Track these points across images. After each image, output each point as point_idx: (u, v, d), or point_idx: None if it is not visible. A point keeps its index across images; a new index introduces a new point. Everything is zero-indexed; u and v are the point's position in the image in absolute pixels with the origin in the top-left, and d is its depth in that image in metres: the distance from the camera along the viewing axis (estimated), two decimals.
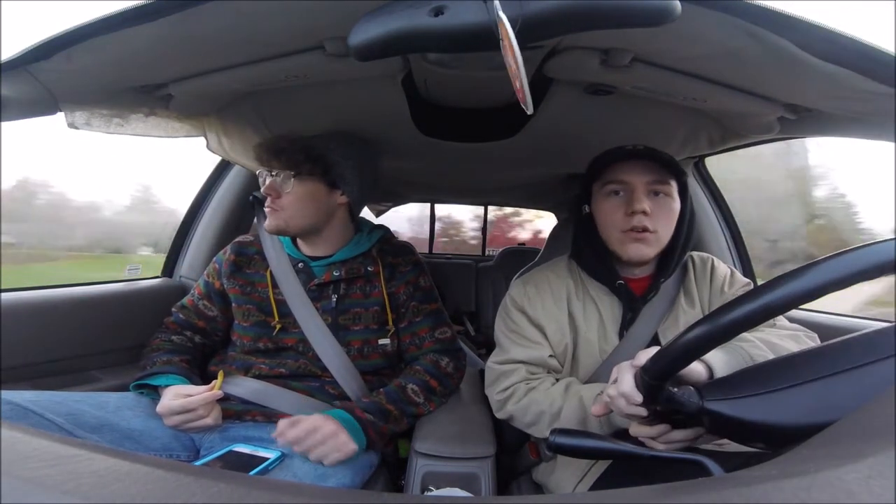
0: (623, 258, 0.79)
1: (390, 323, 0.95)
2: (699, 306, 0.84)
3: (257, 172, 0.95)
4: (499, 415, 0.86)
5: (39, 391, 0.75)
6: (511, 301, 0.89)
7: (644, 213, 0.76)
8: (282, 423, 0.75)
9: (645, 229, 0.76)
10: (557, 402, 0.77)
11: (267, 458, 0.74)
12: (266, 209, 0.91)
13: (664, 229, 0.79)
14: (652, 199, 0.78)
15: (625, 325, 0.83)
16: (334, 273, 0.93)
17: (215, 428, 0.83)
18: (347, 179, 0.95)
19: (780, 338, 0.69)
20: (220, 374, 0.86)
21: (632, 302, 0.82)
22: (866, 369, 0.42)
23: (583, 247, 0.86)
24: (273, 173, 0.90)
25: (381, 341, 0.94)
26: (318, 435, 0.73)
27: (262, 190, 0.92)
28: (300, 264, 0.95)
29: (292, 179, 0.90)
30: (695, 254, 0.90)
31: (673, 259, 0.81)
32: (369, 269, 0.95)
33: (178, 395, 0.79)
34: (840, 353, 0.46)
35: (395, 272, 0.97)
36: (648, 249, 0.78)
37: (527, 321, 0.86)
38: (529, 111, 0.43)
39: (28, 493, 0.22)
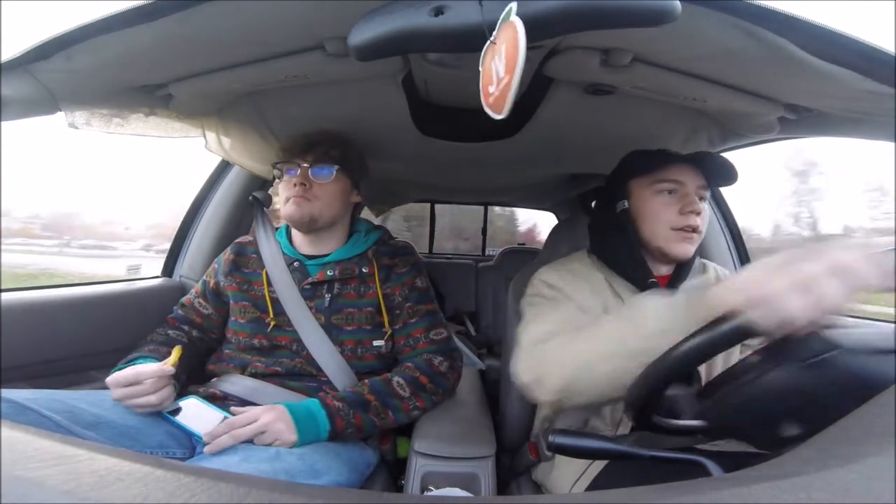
0: (670, 254, 0.82)
1: (386, 325, 0.94)
2: None
3: (276, 165, 0.97)
4: (527, 375, 0.70)
5: (37, 390, 0.75)
6: (546, 287, 0.84)
7: (698, 213, 0.80)
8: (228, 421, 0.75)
9: (695, 229, 0.80)
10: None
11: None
12: (294, 199, 0.92)
13: (704, 231, 0.83)
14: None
15: None
16: (328, 273, 0.93)
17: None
18: (364, 180, 1.04)
19: None
20: (177, 350, 0.83)
21: None
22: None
23: (615, 244, 0.86)
24: (304, 164, 0.93)
25: (375, 343, 0.93)
26: (256, 425, 0.73)
27: (290, 180, 0.94)
28: (295, 263, 0.97)
29: (335, 171, 0.95)
30: (715, 265, 0.95)
31: (692, 258, 0.85)
32: (363, 270, 0.95)
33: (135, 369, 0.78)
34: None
35: (391, 273, 0.97)
36: (692, 247, 0.82)
37: (567, 300, 0.82)
38: (502, 116, 0.43)
39: (28, 493, 0.22)
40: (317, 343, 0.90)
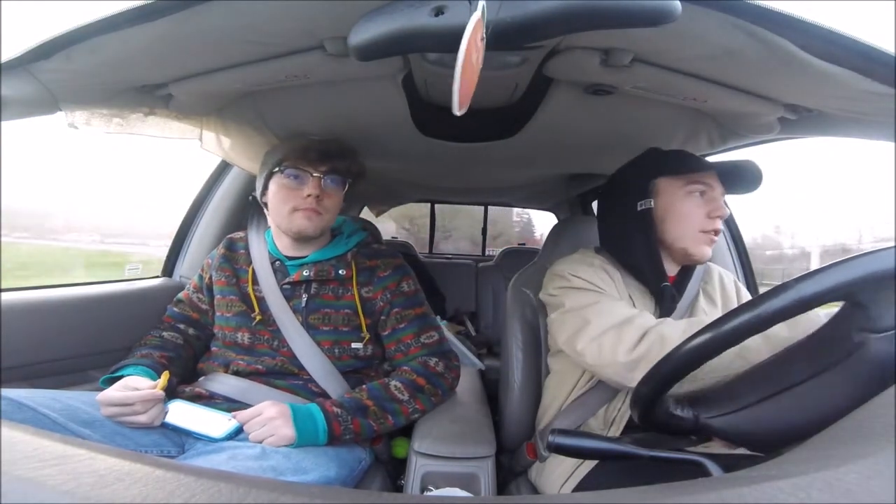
0: (694, 256, 0.83)
1: (364, 329, 0.94)
2: (720, 306, 0.88)
3: (280, 167, 0.93)
4: (633, 374, 0.68)
5: (34, 389, 0.76)
6: (579, 279, 0.83)
7: (724, 217, 0.81)
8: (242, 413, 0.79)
9: (718, 232, 0.82)
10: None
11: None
12: (304, 210, 0.91)
13: None
14: None
15: None
16: (304, 273, 0.93)
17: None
18: (363, 180, 1.04)
19: None
20: (165, 375, 0.84)
21: (671, 301, 0.83)
22: (824, 375, 0.44)
23: (633, 243, 0.85)
24: (317, 174, 0.92)
25: (353, 345, 0.93)
26: (259, 418, 0.76)
27: (298, 187, 0.92)
28: (276, 262, 0.98)
29: (346, 184, 0.97)
30: (721, 269, 0.96)
31: None
32: (340, 272, 0.94)
33: (126, 388, 0.78)
34: (800, 358, 0.47)
35: (372, 276, 0.96)
36: (711, 250, 0.83)
37: (604, 293, 0.82)
38: (456, 113, 0.44)
39: (28, 493, 0.22)
40: (298, 342, 0.90)
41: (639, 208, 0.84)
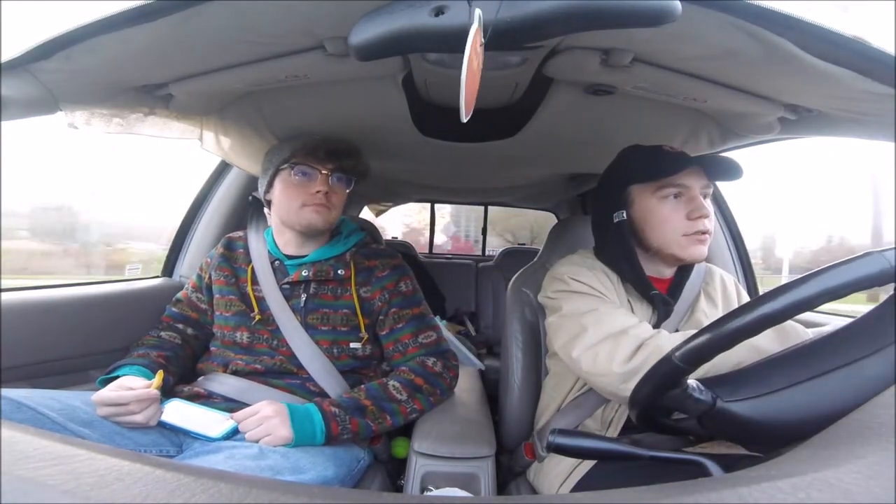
0: (686, 260, 0.80)
1: (362, 329, 0.94)
2: (721, 308, 0.86)
3: (289, 165, 0.93)
4: (627, 385, 0.67)
5: (34, 389, 0.76)
6: (579, 283, 0.82)
7: (706, 217, 0.78)
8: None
9: (705, 232, 0.78)
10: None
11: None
12: (314, 206, 0.93)
13: (713, 229, 0.81)
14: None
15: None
16: (303, 273, 0.94)
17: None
18: (364, 181, 1.06)
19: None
20: (159, 374, 0.84)
21: (665, 306, 0.82)
22: (863, 362, 0.42)
23: (615, 254, 0.84)
24: (325, 171, 0.94)
25: (352, 345, 0.93)
26: (255, 417, 0.77)
27: (307, 184, 0.93)
28: (276, 262, 0.98)
29: (352, 183, 0.99)
30: (722, 271, 0.94)
31: None
32: (339, 272, 0.95)
33: (121, 388, 0.78)
34: (837, 346, 0.46)
35: (370, 277, 0.97)
36: (706, 248, 0.80)
37: (605, 297, 0.81)
38: (463, 120, 0.43)
39: (28, 493, 0.22)
40: (297, 341, 0.91)
41: (615, 220, 0.82)
